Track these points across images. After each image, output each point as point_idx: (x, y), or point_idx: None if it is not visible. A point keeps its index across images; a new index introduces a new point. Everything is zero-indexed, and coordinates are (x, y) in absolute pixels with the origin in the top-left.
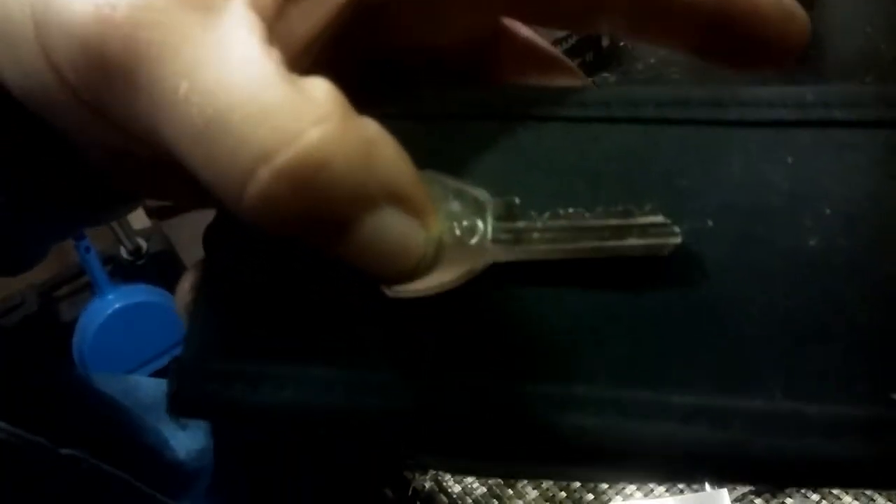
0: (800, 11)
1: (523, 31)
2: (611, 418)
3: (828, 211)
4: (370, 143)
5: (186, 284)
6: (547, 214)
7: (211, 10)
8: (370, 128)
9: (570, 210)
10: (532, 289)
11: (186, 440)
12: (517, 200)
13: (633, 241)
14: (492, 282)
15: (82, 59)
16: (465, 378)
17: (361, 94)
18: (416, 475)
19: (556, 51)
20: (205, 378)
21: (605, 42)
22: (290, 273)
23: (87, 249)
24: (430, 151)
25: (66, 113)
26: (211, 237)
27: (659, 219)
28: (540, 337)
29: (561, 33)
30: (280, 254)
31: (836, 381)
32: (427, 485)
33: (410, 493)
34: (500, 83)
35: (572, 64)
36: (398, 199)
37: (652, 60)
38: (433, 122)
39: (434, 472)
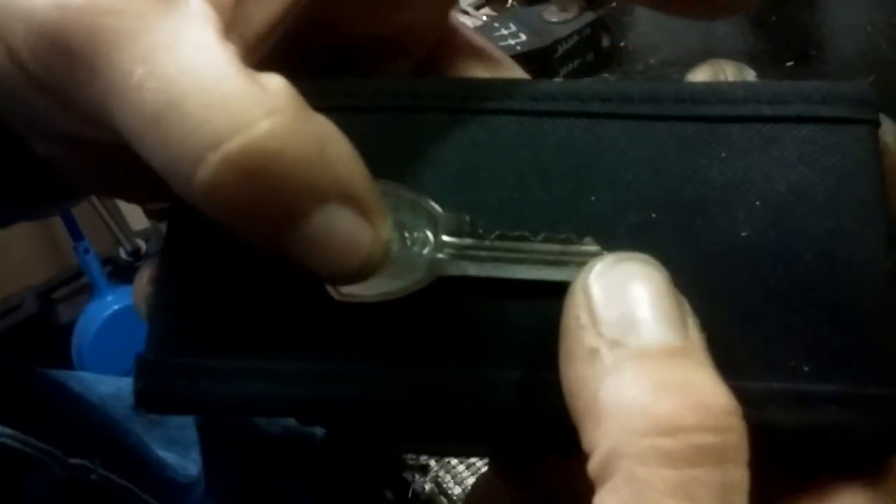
0: None
1: (469, 32)
2: None
3: (757, 203)
4: (323, 139)
5: (145, 277)
6: (495, 234)
7: (170, 1)
8: (324, 124)
9: (517, 233)
10: (477, 299)
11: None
12: (468, 218)
13: (572, 271)
14: (437, 292)
15: (42, 45)
16: (428, 366)
17: (315, 83)
18: (416, 476)
19: (500, 51)
20: (170, 374)
21: (605, 42)
22: (249, 267)
23: (86, 251)
24: (382, 146)
25: (23, 99)
26: (171, 229)
27: (594, 249)
28: (489, 336)
29: (561, 34)
30: (239, 249)
31: (762, 361)
32: (427, 486)
33: (410, 495)
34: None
35: (516, 64)
36: (349, 198)
37: (652, 61)
38: (386, 114)
39: (434, 473)
